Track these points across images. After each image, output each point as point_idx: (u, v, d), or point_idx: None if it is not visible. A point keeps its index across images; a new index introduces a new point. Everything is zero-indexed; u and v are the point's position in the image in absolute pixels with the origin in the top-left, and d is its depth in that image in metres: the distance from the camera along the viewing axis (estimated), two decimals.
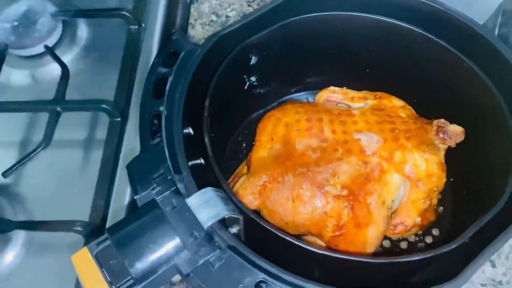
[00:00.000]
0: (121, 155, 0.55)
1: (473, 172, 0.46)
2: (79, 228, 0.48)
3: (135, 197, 0.33)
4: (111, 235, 0.31)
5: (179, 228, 0.32)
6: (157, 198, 0.34)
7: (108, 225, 0.50)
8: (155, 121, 0.39)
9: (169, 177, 0.35)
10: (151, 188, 0.34)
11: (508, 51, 0.41)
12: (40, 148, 0.53)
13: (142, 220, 0.32)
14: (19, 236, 0.51)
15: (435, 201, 0.45)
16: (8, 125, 0.60)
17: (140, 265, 0.30)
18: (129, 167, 0.35)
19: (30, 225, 0.50)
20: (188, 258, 0.31)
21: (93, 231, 0.49)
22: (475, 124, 0.45)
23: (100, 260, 0.31)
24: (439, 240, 0.47)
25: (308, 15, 0.46)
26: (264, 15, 0.44)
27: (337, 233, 0.41)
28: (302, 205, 0.41)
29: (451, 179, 0.49)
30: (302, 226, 0.42)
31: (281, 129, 0.45)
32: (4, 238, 0.51)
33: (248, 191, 0.42)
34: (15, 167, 0.52)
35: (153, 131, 0.38)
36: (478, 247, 0.34)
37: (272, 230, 0.34)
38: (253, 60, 0.47)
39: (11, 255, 0.51)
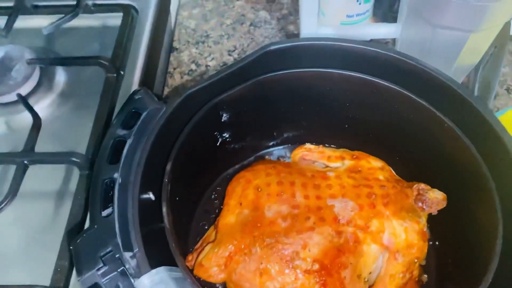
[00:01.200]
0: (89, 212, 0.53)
1: (458, 236, 0.43)
2: None
3: (78, 279, 0.30)
4: None
5: None
6: (102, 280, 0.31)
7: None
8: (112, 186, 0.37)
9: (117, 255, 0.32)
10: (96, 268, 0.31)
11: (487, 111, 0.38)
12: (3, 204, 0.50)
13: None
14: None
15: (416, 273, 0.41)
16: None
17: None
18: (74, 243, 0.32)
19: None
20: None
21: None
22: (458, 185, 0.42)
23: None
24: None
25: (282, 72, 0.44)
26: (234, 73, 0.42)
27: None
28: (270, 281, 0.38)
29: (436, 243, 0.46)
30: None
31: (250, 192, 0.42)
32: None
33: (213, 263, 0.39)
34: None
35: (107, 199, 0.35)
36: None
37: None
38: (225, 117, 0.45)
39: None
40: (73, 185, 0.55)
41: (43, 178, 0.56)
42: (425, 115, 0.42)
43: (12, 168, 0.54)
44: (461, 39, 0.45)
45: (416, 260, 0.40)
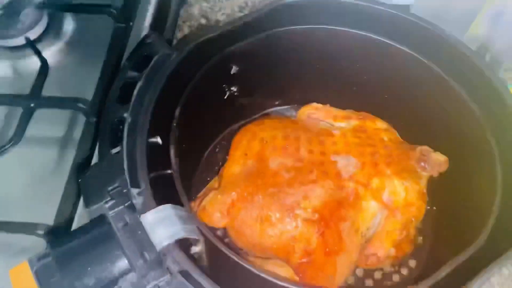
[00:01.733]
0: (94, 158, 0.53)
1: (456, 202, 0.44)
2: (41, 232, 0.46)
3: (85, 210, 0.31)
4: (53, 250, 0.29)
5: (128, 248, 0.30)
6: (109, 213, 0.31)
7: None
8: (121, 127, 0.37)
9: (124, 191, 0.32)
10: (104, 201, 0.32)
11: (498, 79, 0.38)
12: (8, 146, 0.50)
13: (88, 236, 0.30)
14: None
15: (412, 232, 0.42)
16: None
17: (80, 286, 0.28)
18: (82, 176, 0.32)
19: None
20: (134, 282, 0.29)
21: (56, 235, 0.46)
22: (461, 153, 0.43)
23: (40, 277, 0.29)
24: (416, 273, 0.44)
25: (295, 27, 0.44)
26: (248, 24, 0.42)
27: (304, 259, 0.38)
28: (270, 228, 0.39)
29: (434, 208, 0.47)
30: (269, 250, 0.39)
31: (256, 144, 0.43)
32: None
33: (216, 208, 0.40)
34: None
35: (116, 138, 0.35)
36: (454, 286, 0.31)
37: (233, 257, 0.32)
38: (234, 69, 0.45)
39: None
40: (78, 132, 0.55)
41: (48, 124, 0.57)
42: (434, 79, 0.42)
43: (19, 111, 0.54)
44: (476, 6, 0.45)
45: (413, 219, 0.41)
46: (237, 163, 0.42)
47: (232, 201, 0.40)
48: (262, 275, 0.31)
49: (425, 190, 0.42)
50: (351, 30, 0.44)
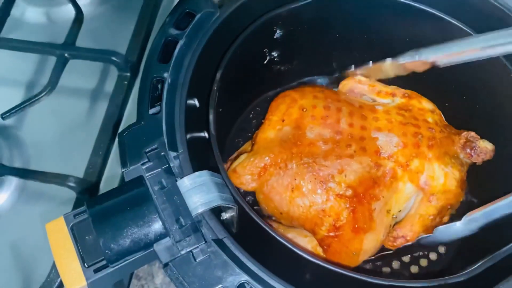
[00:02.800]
0: (125, 113, 0.53)
1: (497, 196, 0.42)
2: (72, 184, 0.46)
3: (122, 171, 0.30)
4: (90, 209, 0.28)
5: (164, 212, 0.29)
6: (146, 174, 0.31)
7: (102, 185, 0.49)
8: (159, 87, 0.36)
9: (162, 153, 0.31)
10: (141, 162, 0.31)
11: None
12: (43, 94, 0.50)
13: (125, 196, 0.29)
14: (13, 181, 0.50)
15: (446, 219, 0.41)
16: (17, 64, 0.58)
17: (115, 247, 0.27)
18: (121, 136, 0.32)
19: (22, 173, 0.48)
20: (169, 246, 0.29)
21: (86, 188, 0.47)
22: (508, 141, 0.40)
23: (76, 233, 0.29)
24: (445, 260, 0.43)
25: None
26: None
27: (332, 233, 0.38)
28: (300, 197, 0.38)
29: (474, 200, 0.45)
30: (296, 219, 0.39)
31: (295, 111, 0.41)
32: None
33: (247, 170, 0.39)
34: (14, 110, 0.49)
35: (154, 98, 0.34)
36: (489, 282, 0.30)
37: (266, 228, 0.31)
38: (278, 33, 0.43)
39: (2, 198, 0.50)
40: (110, 85, 0.54)
41: (81, 75, 0.56)
42: (489, 60, 0.40)
43: (51, 60, 0.53)
44: None
45: (449, 207, 0.40)
46: (272, 128, 0.41)
47: (265, 166, 0.39)
48: (296, 250, 0.31)
49: (465, 178, 0.41)
50: (406, 1, 0.41)
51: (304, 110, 0.41)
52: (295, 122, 0.41)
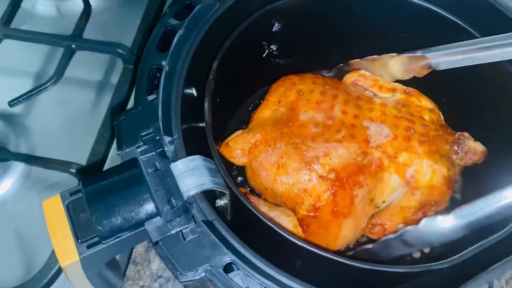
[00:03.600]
0: (129, 105, 0.54)
1: None
2: (74, 170, 0.48)
3: (118, 153, 0.32)
4: (85, 187, 0.30)
5: (156, 193, 0.31)
6: (141, 157, 0.32)
7: None
8: (158, 75, 0.37)
9: (157, 138, 0.33)
10: (136, 145, 0.32)
11: None
12: (49, 84, 0.52)
13: (119, 177, 0.30)
14: (18, 167, 0.51)
15: (430, 214, 0.41)
16: (25, 54, 0.60)
17: (108, 224, 0.29)
18: (117, 119, 0.33)
19: (27, 159, 0.49)
20: (160, 226, 0.30)
21: (88, 175, 0.48)
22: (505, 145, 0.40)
23: (71, 211, 0.30)
24: (438, 251, 0.43)
25: None
26: None
27: (311, 213, 0.39)
28: (285, 175, 0.39)
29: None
30: (279, 196, 0.40)
31: (292, 94, 0.43)
32: (3, 166, 0.51)
33: (239, 145, 0.41)
34: (21, 98, 0.51)
35: (152, 85, 0.35)
36: (473, 270, 0.31)
37: (254, 211, 0.32)
38: (276, 27, 0.44)
39: (7, 184, 0.51)
40: (115, 77, 0.56)
41: (86, 66, 0.58)
42: (495, 64, 0.39)
43: (59, 51, 0.55)
44: None
45: (433, 203, 0.40)
46: (269, 108, 0.43)
47: (256, 142, 0.40)
48: (283, 233, 0.32)
49: (455, 178, 0.41)
50: None
51: (301, 93, 0.42)
52: (291, 104, 0.42)
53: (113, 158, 0.51)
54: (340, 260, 0.30)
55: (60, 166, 0.48)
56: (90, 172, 0.48)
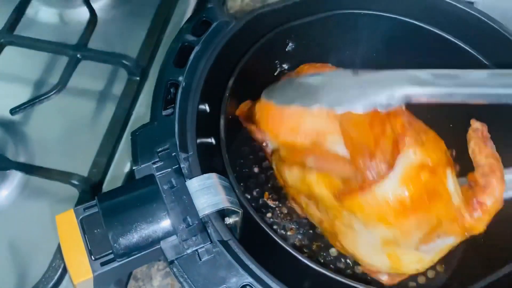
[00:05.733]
0: (132, 117, 0.53)
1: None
2: (75, 182, 0.47)
3: (133, 168, 0.31)
4: (100, 203, 0.29)
5: (172, 210, 0.30)
6: (157, 173, 0.31)
7: (105, 185, 0.49)
8: (172, 90, 0.37)
9: (173, 154, 0.32)
10: (152, 161, 0.32)
11: None
12: (53, 92, 0.51)
13: (135, 193, 0.30)
14: (16, 177, 0.50)
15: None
16: (29, 62, 0.59)
17: (124, 241, 0.28)
18: (134, 134, 0.32)
19: (27, 168, 0.48)
20: (175, 244, 0.29)
21: (89, 187, 0.47)
22: None
23: (85, 226, 0.29)
24: (444, 277, 0.43)
25: (359, 11, 0.42)
26: (310, 0, 0.41)
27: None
28: None
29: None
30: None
31: None
32: (1, 175, 0.50)
33: None
34: (23, 106, 0.50)
35: (167, 100, 0.35)
36: None
37: (270, 233, 0.32)
38: (290, 46, 0.44)
39: (4, 193, 0.50)
40: (119, 88, 0.55)
41: (90, 76, 0.57)
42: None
43: (61, 60, 0.54)
44: None
45: None
46: None
47: None
48: (294, 253, 0.31)
49: None
50: (416, 22, 0.42)
51: None
52: None
53: (115, 170, 0.50)
54: (357, 286, 0.30)
55: (61, 177, 0.47)
56: (91, 184, 0.47)
